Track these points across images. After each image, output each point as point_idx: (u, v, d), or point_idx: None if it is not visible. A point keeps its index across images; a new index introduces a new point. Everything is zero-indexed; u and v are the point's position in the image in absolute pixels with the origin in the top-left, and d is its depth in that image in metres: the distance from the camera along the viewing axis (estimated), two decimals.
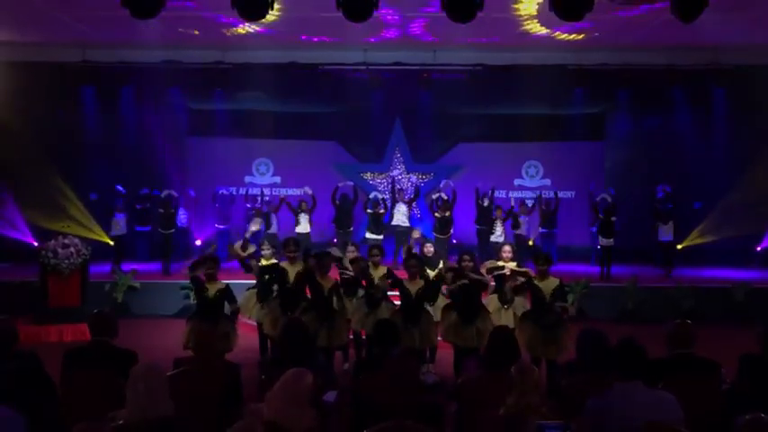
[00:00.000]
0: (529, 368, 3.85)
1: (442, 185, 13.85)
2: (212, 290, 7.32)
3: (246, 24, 11.03)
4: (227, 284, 7.52)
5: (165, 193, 13.22)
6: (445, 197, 13.16)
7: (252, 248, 8.77)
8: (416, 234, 10.62)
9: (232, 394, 4.62)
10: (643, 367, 3.66)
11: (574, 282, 10.91)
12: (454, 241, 13.57)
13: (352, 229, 13.24)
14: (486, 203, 13.31)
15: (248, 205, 14.34)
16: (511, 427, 3.55)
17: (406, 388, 3.86)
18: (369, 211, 13.05)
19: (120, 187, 13.18)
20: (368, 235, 12.86)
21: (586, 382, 4.27)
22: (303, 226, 12.91)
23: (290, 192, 15.79)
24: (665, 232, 12.90)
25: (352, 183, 14.03)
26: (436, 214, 12.96)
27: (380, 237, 12.72)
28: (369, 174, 15.95)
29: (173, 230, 12.95)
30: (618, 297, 11.29)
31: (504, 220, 12.90)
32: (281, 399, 3.62)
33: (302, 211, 12.95)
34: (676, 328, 4.77)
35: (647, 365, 3.72)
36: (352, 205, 13.39)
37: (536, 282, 7.17)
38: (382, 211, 13.08)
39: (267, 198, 14.22)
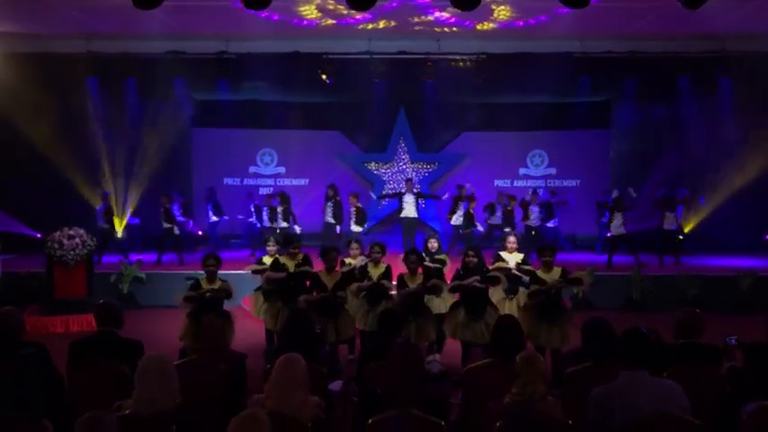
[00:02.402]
0: (534, 357, 3.85)
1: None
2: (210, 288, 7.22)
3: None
4: (226, 282, 7.43)
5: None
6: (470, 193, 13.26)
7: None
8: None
9: (237, 384, 4.64)
10: (648, 356, 3.66)
11: (578, 270, 10.86)
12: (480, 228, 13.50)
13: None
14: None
15: (255, 202, 14.34)
16: (515, 416, 3.55)
17: (410, 377, 3.87)
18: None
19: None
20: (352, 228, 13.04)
21: (591, 371, 4.28)
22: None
23: (294, 182, 15.82)
24: (671, 222, 12.87)
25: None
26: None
27: (360, 229, 12.93)
28: (373, 164, 15.93)
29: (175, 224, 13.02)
30: (623, 286, 11.26)
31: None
32: (279, 386, 3.64)
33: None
34: (684, 317, 4.77)
35: (653, 354, 3.72)
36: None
37: (540, 274, 7.16)
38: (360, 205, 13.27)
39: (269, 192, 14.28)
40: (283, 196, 13.37)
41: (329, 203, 13.17)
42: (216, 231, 14.54)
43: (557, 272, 7.15)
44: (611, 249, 12.47)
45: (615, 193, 13.35)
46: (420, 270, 7.50)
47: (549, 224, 13.86)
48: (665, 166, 14.24)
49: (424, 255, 8.00)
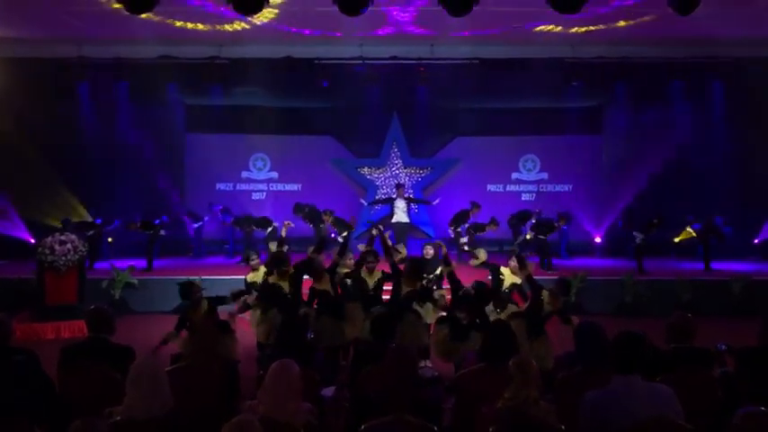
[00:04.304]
0: (527, 361, 3.85)
1: None
2: (197, 316, 6.88)
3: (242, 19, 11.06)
4: (210, 301, 7.08)
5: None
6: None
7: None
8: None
9: (229, 390, 4.62)
10: (641, 360, 3.66)
11: (571, 275, 10.89)
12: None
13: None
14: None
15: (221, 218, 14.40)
16: (508, 421, 3.54)
17: (404, 382, 3.86)
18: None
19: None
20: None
21: (584, 376, 4.28)
22: None
23: (287, 187, 15.80)
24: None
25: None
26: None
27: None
28: (366, 168, 15.92)
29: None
30: (615, 291, 11.28)
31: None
32: (272, 392, 3.63)
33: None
34: (676, 321, 4.78)
35: (645, 359, 3.72)
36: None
37: (544, 296, 7.06)
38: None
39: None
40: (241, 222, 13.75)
41: (309, 223, 13.39)
42: (200, 237, 14.52)
43: (557, 305, 6.97)
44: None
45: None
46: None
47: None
48: (657, 171, 14.33)
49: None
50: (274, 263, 7.73)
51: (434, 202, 14.14)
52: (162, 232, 13.04)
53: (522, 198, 15.83)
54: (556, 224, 13.09)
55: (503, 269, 7.99)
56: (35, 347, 4.91)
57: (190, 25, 11.81)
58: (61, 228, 11.94)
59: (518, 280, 7.89)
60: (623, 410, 3.47)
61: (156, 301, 11.16)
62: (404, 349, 4.44)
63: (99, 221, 13.33)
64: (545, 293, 7.07)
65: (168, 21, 11.32)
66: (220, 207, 14.38)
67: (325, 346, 7.13)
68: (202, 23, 11.76)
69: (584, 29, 11.89)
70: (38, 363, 4.51)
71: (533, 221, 13.36)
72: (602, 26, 11.69)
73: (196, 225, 14.32)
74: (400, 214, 13.31)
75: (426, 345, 7.57)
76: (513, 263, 7.92)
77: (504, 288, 7.83)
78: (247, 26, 11.67)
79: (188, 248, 14.58)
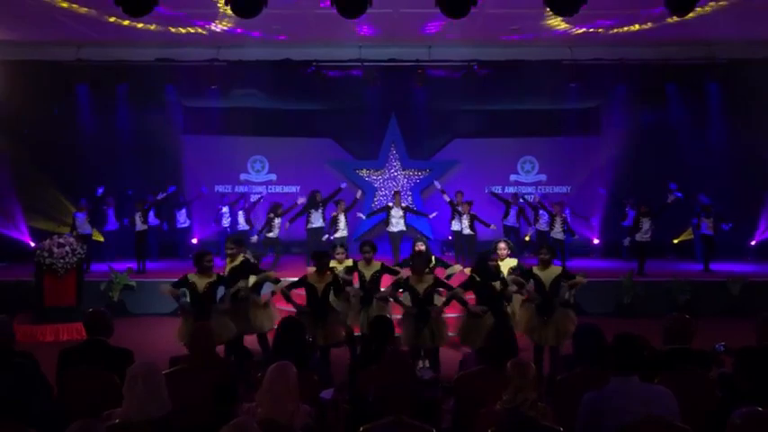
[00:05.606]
0: (525, 364, 3.85)
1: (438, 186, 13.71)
2: (202, 284, 7.12)
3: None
4: (219, 274, 7.33)
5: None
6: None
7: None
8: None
9: (228, 392, 4.62)
10: (639, 361, 3.67)
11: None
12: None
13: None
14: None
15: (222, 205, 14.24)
16: (507, 423, 3.54)
17: (402, 384, 3.86)
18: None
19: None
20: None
21: (582, 377, 4.28)
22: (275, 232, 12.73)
23: (285, 189, 15.80)
24: (708, 227, 12.87)
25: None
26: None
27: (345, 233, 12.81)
28: (364, 170, 15.92)
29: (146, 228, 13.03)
30: (614, 292, 11.29)
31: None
32: (270, 394, 3.63)
33: (277, 216, 12.68)
34: (673, 322, 4.78)
35: (643, 360, 3.73)
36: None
37: (537, 271, 7.20)
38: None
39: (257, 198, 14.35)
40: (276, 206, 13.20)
41: (319, 210, 13.01)
42: (189, 236, 14.47)
43: (555, 269, 7.24)
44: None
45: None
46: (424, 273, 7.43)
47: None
48: (655, 172, 14.33)
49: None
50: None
51: (432, 216, 13.96)
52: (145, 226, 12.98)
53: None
54: (553, 211, 13.05)
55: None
56: (33, 350, 4.91)
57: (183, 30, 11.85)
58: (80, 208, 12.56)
59: (513, 262, 8.00)
60: (621, 411, 3.48)
61: (155, 304, 11.14)
62: (402, 351, 4.45)
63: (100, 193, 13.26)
64: (535, 268, 7.19)
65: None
66: (245, 204, 14.13)
67: None
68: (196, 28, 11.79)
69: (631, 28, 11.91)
70: (37, 365, 4.50)
71: (516, 208, 13.72)
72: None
73: (184, 223, 14.22)
74: (396, 222, 12.88)
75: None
76: (502, 248, 8.00)
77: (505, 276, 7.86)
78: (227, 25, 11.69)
79: (187, 249, 14.50)
